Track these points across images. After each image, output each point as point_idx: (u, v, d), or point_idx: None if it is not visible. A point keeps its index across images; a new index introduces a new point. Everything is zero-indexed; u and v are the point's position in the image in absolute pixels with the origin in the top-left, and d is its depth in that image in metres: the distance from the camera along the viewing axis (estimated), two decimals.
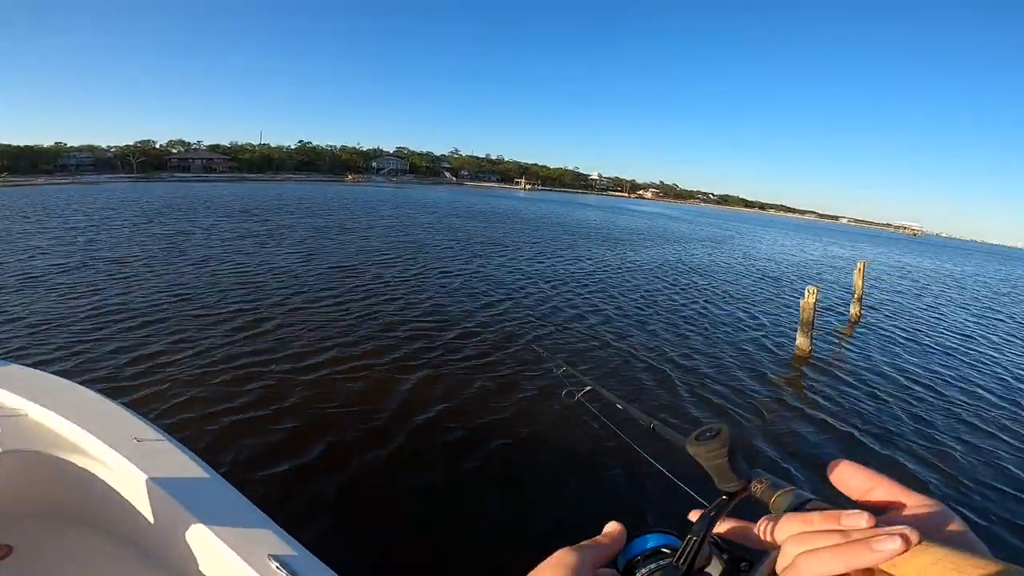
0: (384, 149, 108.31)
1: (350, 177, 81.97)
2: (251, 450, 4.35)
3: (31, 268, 10.28)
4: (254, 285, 9.76)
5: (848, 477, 0.40)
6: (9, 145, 62.70)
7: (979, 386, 7.96)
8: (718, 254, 22.88)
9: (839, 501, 0.39)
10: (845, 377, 7.62)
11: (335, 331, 7.39)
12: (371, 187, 65.83)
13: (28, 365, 3.04)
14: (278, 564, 1.52)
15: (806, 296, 8.24)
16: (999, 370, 9.04)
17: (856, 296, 11.80)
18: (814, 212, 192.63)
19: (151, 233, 15.70)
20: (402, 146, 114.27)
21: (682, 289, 13.26)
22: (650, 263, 17.26)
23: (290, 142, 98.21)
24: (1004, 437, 6.16)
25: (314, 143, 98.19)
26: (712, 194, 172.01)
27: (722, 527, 0.46)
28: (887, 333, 10.91)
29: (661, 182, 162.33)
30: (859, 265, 11.90)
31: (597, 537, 0.45)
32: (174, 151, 78.86)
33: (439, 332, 7.69)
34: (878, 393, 7.14)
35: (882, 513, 0.36)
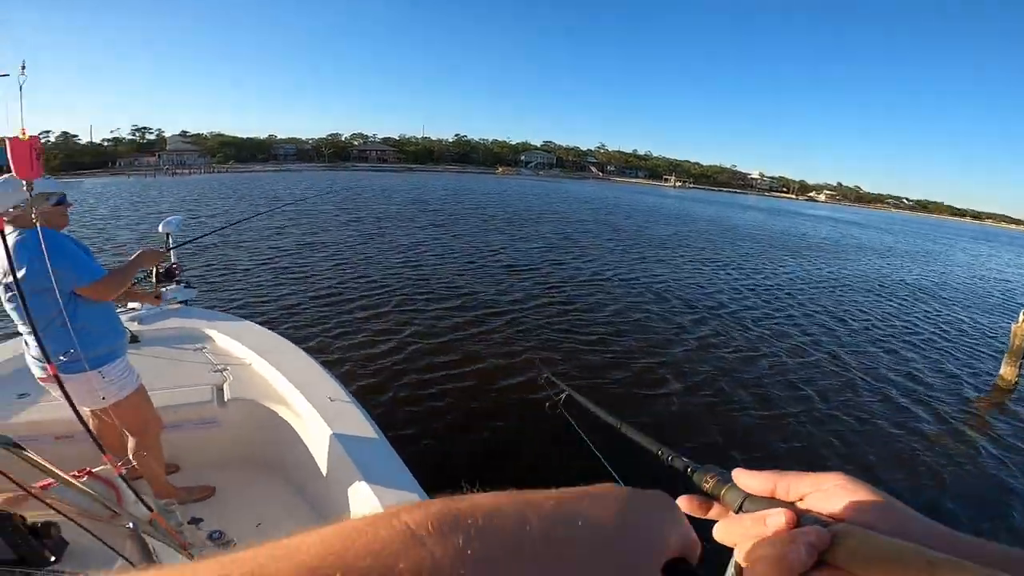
0: (532, 143, 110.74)
1: (500, 170, 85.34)
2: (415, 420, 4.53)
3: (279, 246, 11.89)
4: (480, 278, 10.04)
5: (748, 484, 0.40)
6: (235, 137, 76.89)
7: None
8: (914, 268, 18.61)
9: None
10: None
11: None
12: (520, 180, 67.62)
13: (259, 323, 3.45)
14: None
15: (1020, 320, 7.26)
16: None
17: None
18: None
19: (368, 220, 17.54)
20: (549, 140, 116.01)
21: (862, 305, 10.92)
22: (832, 275, 14.50)
23: (448, 135, 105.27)
24: None
25: (469, 136, 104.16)
26: (906, 198, 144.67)
27: (684, 504, 0.44)
28: None
29: (839, 183, 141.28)
30: None
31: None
32: (355, 143, 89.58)
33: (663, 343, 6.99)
34: None
35: (800, 502, 0.37)
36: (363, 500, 1.86)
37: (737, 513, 0.40)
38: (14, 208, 1.80)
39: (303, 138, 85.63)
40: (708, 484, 0.45)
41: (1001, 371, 7.37)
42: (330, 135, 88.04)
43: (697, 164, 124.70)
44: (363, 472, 1.91)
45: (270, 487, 2.47)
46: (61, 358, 1.70)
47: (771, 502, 0.38)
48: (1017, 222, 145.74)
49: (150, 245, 2.74)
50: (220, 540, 1.76)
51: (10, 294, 1.85)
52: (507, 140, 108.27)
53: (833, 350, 7.81)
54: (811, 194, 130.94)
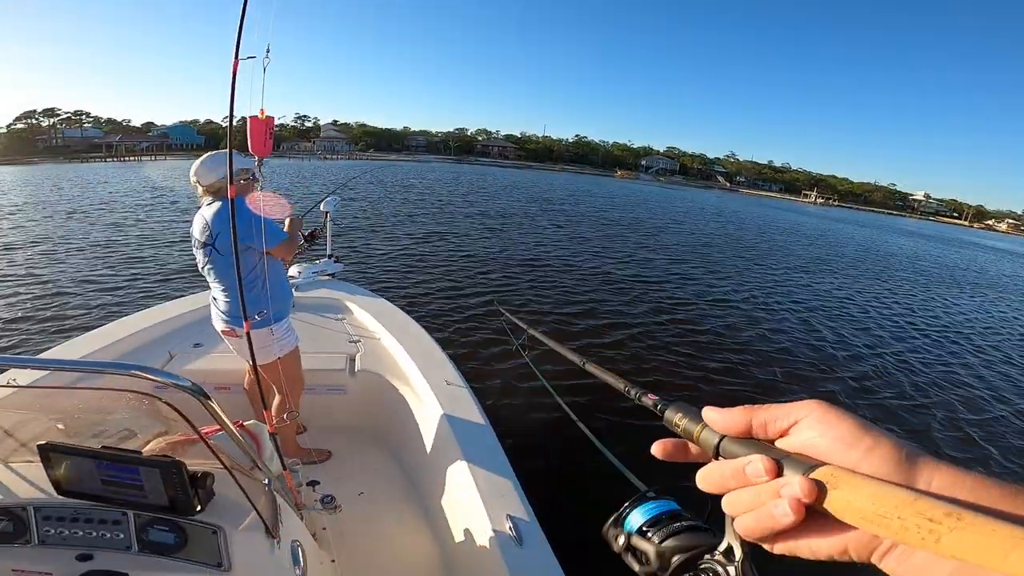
0: (654, 148, 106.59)
1: (619, 173, 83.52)
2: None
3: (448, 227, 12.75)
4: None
5: (718, 422, 0.38)
6: (376, 127, 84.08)
7: None
8: None
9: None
10: None
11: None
12: (640, 185, 65.47)
13: (389, 299, 3.61)
14: (511, 525, 1.59)
15: None
16: None
17: None
18: None
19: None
20: (673, 146, 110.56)
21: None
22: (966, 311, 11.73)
23: (568, 135, 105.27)
24: None
25: (589, 137, 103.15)
26: None
27: (659, 450, 0.42)
28: None
29: None
30: None
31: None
32: (480, 138, 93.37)
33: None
34: None
35: (775, 442, 0.35)
36: (460, 484, 1.88)
37: (715, 457, 0.37)
38: (219, 180, 2.05)
39: (433, 131, 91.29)
40: (680, 424, 0.42)
41: None
42: (457, 129, 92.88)
43: (845, 180, 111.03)
44: (465, 456, 1.94)
45: (378, 458, 2.55)
46: (256, 317, 1.84)
47: (749, 442, 0.35)
48: None
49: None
50: (330, 505, 1.81)
51: (213, 254, 2.06)
52: (628, 143, 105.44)
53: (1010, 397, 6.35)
54: (989, 222, 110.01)
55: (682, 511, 0.45)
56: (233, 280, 1.77)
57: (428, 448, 2.24)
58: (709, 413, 0.38)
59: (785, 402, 0.34)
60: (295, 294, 3.48)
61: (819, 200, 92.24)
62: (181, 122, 76.91)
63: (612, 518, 0.49)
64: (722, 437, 0.37)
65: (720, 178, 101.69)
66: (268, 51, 1.46)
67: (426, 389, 2.41)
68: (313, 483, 2.24)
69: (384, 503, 2.27)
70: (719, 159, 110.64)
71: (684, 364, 6.21)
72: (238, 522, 1.08)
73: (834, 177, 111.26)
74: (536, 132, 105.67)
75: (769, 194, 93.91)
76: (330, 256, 4.15)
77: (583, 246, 13.31)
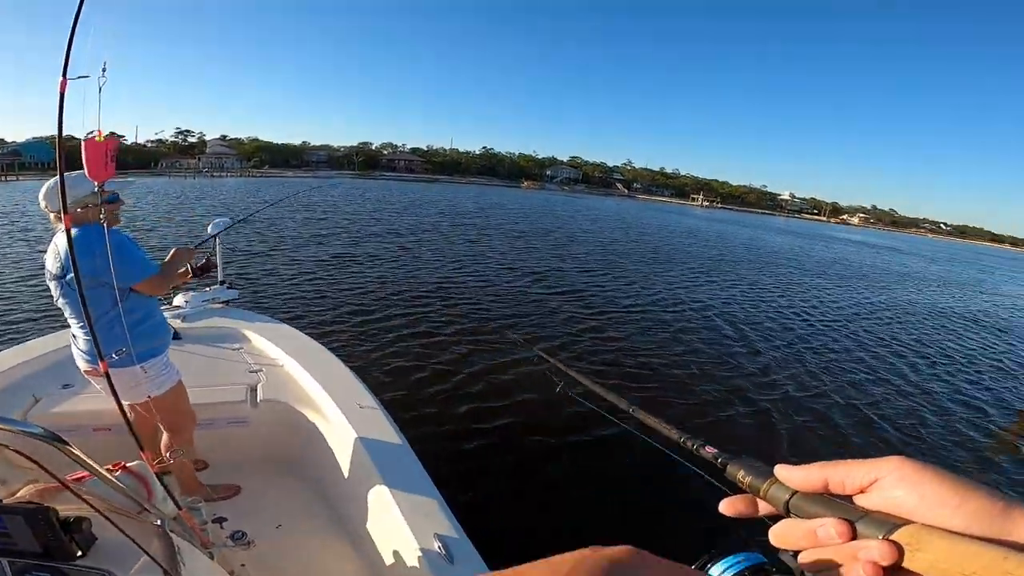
0: (559, 158, 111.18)
1: (525, 184, 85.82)
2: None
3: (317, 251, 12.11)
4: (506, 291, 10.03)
5: (795, 480, 0.37)
6: (270, 143, 79.34)
7: None
8: (927, 294, 17.76)
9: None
10: None
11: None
12: (546, 194, 67.82)
13: (294, 326, 3.48)
14: (440, 544, 1.59)
15: None
16: None
17: None
18: None
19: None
20: (576, 155, 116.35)
21: (873, 328, 10.40)
22: (838, 298, 13.97)
23: (475, 147, 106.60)
24: None
25: (496, 149, 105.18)
26: (944, 224, 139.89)
27: (727, 508, 0.41)
28: None
29: (873, 206, 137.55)
30: None
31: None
32: (385, 152, 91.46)
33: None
34: None
35: (852, 498, 0.34)
36: (383, 507, 1.86)
37: (786, 513, 0.36)
38: (73, 204, 1.83)
39: (335, 145, 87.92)
40: (745, 480, 0.41)
41: None
42: (361, 143, 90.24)
43: (726, 183, 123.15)
44: (385, 478, 1.92)
45: (293, 489, 2.46)
46: (113, 356, 1.71)
47: (823, 499, 0.34)
48: None
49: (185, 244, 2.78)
50: (242, 541, 1.75)
51: (64, 288, 1.90)
52: (534, 154, 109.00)
53: (895, 378, 7.51)
54: (844, 217, 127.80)
55: (766, 563, 0.42)
56: (97, 315, 1.67)
57: (346, 473, 2.20)
58: (782, 471, 0.37)
59: (856, 456, 0.33)
60: (183, 325, 3.26)
61: (705, 203, 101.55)
62: (35, 138, 66.99)
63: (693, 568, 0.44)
64: (792, 494, 0.36)
65: (619, 185, 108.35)
66: (104, 69, 1.39)
67: (337, 414, 2.35)
68: (220, 520, 2.13)
69: (306, 533, 2.21)
70: (618, 167, 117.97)
71: (607, 371, 6.51)
72: (129, 566, 1.04)
73: (716, 181, 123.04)
74: (444, 145, 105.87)
75: (662, 199, 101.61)
76: (222, 282, 3.89)
77: (498, 260, 13.52)
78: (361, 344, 6.39)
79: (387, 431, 2.25)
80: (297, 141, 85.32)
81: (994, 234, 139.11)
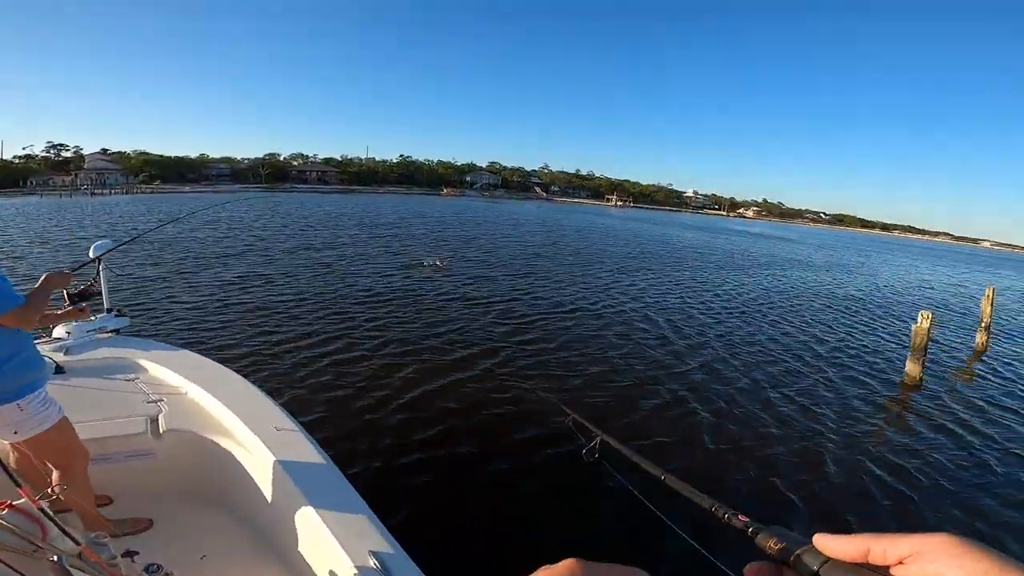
0: (478, 164, 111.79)
1: (445, 191, 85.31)
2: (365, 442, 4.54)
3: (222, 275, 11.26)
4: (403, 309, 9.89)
5: (834, 548, 0.37)
6: (161, 156, 72.68)
7: None
8: (820, 277, 20.43)
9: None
10: (955, 409, 6.94)
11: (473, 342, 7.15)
12: (467, 201, 68.00)
13: (197, 351, 3.35)
14: (376, 562, 1.58)
15: (919, 321, 7.93)
16: None
17: (983, 324, 10.72)
18: (948, 234, 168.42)
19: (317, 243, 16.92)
20: (494, 160, 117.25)
21: (793, 313, 12.12)
22: (746, 286, 15.63)
23: (392, 156, 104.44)
24: None
25: (414, 157, 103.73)
26: (824, 213, 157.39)
27: (752, 573, 0.41)
28: (1017, 365, 9.65)
29: (764, 200, 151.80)
30: (988, 291, 10.84)
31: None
32: (295, 163, 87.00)
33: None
34: (988, 430, 6.39)
35: (893, 568, 0.34)
36: (312, 528, 1.83)
37: None
38: None
39: (237, 157, 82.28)
40: (774, 549, 0.42)
41: (907, 368, 8.04)
42: (267, 155, 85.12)
43: (636, 183, 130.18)
44: (311, 499, 1.89)
45: (214, 519, 2.39)
46: None
47: (856, 569, 0.35)
48: (920, 232, 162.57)
49: (61, 268, 2.61)
50: (158, 573, 1.69)
51: None
52: (453, 161, 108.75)
53: (789, 357, 8.38)
54: (740, 210, 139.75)
55: None
56: None
57: (269, 498, 2.16)
58: (822, 540, 0.38)
59: (896, 530, 0.33)
60: (66, 358, 3.05)
61: (619, 203, 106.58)
62: None
63: None
64: (823, 563, 0.36)
65: (538, 189, 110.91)
66: None
67: (252, 439, 2.31)
68: (131, 554, 2.06)
69: (233, 562, 2.16)
70: (536, 171, 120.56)
71: (554, 376, 6.69)
72: None
73: (628, 181, 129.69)
74: (359, 154, 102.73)
75: (580, 200, 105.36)
76: (110, 310, 3.62)
77: (423, 273, 13.40)
78: (279, 366, 6.15)
79: (308, 452, 2.23)
80: (193, 153, 78.89)
81: (864, 220, 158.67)
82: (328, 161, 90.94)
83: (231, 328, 7.42)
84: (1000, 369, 9.33)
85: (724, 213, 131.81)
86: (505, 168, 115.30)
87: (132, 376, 2.98)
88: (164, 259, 12.45)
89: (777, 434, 5.63)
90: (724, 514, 0.59)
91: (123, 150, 73.04)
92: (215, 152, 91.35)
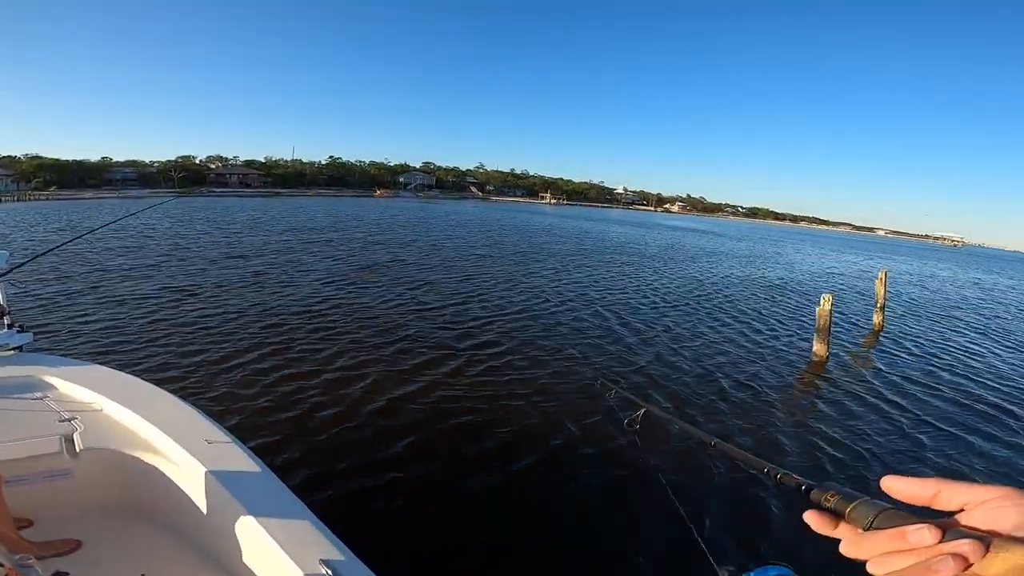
0: (411, 164, 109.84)
1: (378, 192, 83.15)
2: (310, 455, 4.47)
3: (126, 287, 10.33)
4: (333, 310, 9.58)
5: (902, 490, 0.40)
6: (57, 160, 65.56)
7: (1001, 396, 7.82)
8: (745, 268, 22.24)
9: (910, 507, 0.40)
10: (857, 384, 7.64)
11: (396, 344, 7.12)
12: (402, 202, 66.73)
13: (112, 366, 3.19)
14: (328, 569, 1.55)
15: (822, 304, 8.54)
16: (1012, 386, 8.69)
17: (879, 305, 11.78)
18: (848, 224, 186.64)
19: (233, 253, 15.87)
20: (429, 161, 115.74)
21: (709, 302, 13.14)
22: (682, 278, 16.72)
23: (321, 157, 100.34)
24: None
25: (344, 159, 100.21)
26: (740, 207, 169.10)
27: (813, 520, 0.44)
28: (910, 342, 10.91)
29: (688, 195, 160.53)
30: (880, 274, 11.86)
31: None
32: (212, 166, 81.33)
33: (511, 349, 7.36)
34: (888, 401, 7.08)
35: (954, 515, 0.36)
36: (256, 540, 1.80)
37: (867, 531, 0.39)
38: None
39: (147, 160, 75.75)
40: (830, 502, 0.44)
41: (814, 348, 8.82)
42: (180, 157, 78.96)
43: (570, 181, 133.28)
44: (252, 510, 1.85)
45: (149, 536, 2.32)
46: None
47: (906, 517, 0.37)
48: (824, 223, 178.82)
49: None
50: None
51: None
52: (385, 161, 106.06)
53: (703, 336, 8.96)
54: (667, 206, 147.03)
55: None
56: None
57: (206, 511, 2.09)
58: (892, 482, 0.40)
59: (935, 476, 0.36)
60: None
61: (553, 200, 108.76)
62: None
63: None
64: (878, 513, 0.39)
65: (473, 188, 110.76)
66: None
67: (180, 453, 2.22)
68: (61, 574, 1.97)
69: None
70: (471, 170, 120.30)
71: (502, 384, 6.70)
72: None
73: (561, 180, 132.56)
74: (284, 156, 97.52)
75: (515, 199, 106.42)
76: (11, 326, 3.32)
77: (359, 279, 13.03)
78: (211, 379, 5.84)
79: (244, 462, 2.18)
80: (95, 157, 71.63)
81: (776, 213, 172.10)
82: (250, 163, 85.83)
83: (157, 345, 6.86)
84: (894, 344, 10.49)
85: (652, 208, 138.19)
86: (440, 168, 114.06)
87: (40, 394, 2.78)
88: (71, 272, 11.29)
89: (708, 412, 6.10)
90: (776, 474, 0.62)
91: (12, 154, 65.13)
92: (120, 155, 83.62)
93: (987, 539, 0.31)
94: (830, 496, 0.44)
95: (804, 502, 0.48)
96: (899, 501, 0.40)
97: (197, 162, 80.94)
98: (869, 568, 0.36)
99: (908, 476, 0.40)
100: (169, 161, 75.78)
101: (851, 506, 0.41)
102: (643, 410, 1.75)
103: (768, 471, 0.66)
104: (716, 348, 8.81)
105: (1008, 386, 8.39)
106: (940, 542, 0.33)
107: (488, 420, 5.39)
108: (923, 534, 0.33)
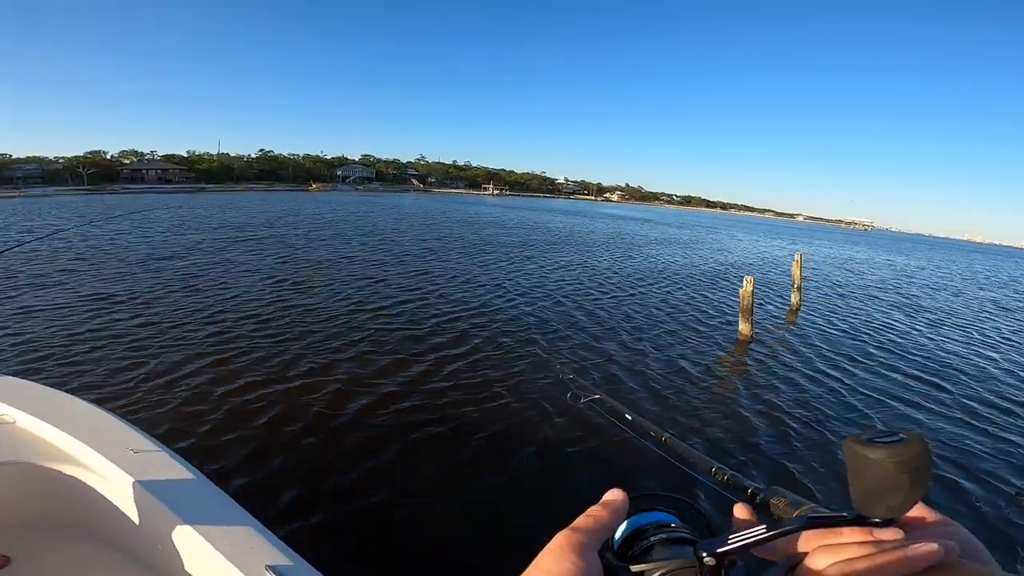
0: (349, 157, 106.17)
1: (314, 186, 79.87)
2: (246, 453, 4.48)
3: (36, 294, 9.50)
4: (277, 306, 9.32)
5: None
6: None
7: (913, 365, 8.76)
8: (679, 254, 23.64)
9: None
10: (780, 359, 8.33)
11: (345, 338, 7.15)
12: (339, 195, 64.52)
13: (24, 377, 3.01)
14: (274, 574, 1.52)
15: (744, 285, 9.07)
16: (929, 350, 10.01)
17: (796, 286, 12.53)
18: (772, 211, 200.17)
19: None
20: (368, 154, 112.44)
21: (642, 286, 13.91)
22: (620, 266, 17.57)
23: (251, 151, 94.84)
24: (940, 419, 6.50)
25: (276, 152, 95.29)
26: (675, 195, 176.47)
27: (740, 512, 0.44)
28: (824, 319, 11.96)
29: (627, 184, 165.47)
30: (797, 257, 12.60)
31: (596, 509, 0.42)
32: (126, 162, 75.01)
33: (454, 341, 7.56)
34: (809, 374, 7.75)
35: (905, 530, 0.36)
36: (196, 549, 1.78)
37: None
38: None
39: (50, 156, 68.67)
40: (778, 506, 0.45)
41: (740, 327, 9.45)
42: (90, 153, 72.20)
43: (512, 172, 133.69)
44: (188, 519, 1.82)
45: (79, 551, 2.22)
46: None
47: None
48: (751, 209, 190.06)
49: None
50: None
51: None
52: (321, 155, 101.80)
53: (639, 317, 9.49)
54: (607, 195, 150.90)
55: (674, 523, 0.44)
56: None
57: (138, 522, 2.01)
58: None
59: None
60: None
61: (495, 192, 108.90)
62: None
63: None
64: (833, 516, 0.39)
65: (415, 180, 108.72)
66: None
67: (103, 463, 2.13)
68: None
69: None
70: (411, 163, 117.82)
71: (474, 383, 6.82)
72: None
73: (504, 171, 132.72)
74: (209, 150, 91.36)
75: (457, 191, 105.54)
76: None
77: (305, 276, 12.65)
78: (137, 387, 5.60)
79: (176, 470, 2.11)
80: None
81: (708, 201, 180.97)
82: (170, 158, 79.82)
83: (82, 361, 6.37)
84: (808, 321, 11.49)
85: (593, 198, 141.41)
86: (379, 160, 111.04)
87: None
88: None
89: (646, 395, 6.55)
90: (725, 476, 0.63)
91: None
92: (19, 151, 75.23)
93: (953, 546, 0.31)
94: (777, 500, 0.44)
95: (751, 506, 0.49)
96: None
97: (109, 157, 74.31)
98: (816, 554, 0.36)
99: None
100: (77, 157, 69.09)
101: (797, 512, 0.41)
102: (596, 396, 1.81)
103: (715, 471, 0.67)
104: (664, 332, 9.36)
105: (921, 356, 9.55)
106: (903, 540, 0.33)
107: (446, 415, 5.50)
108: (890, 532, 0.34)
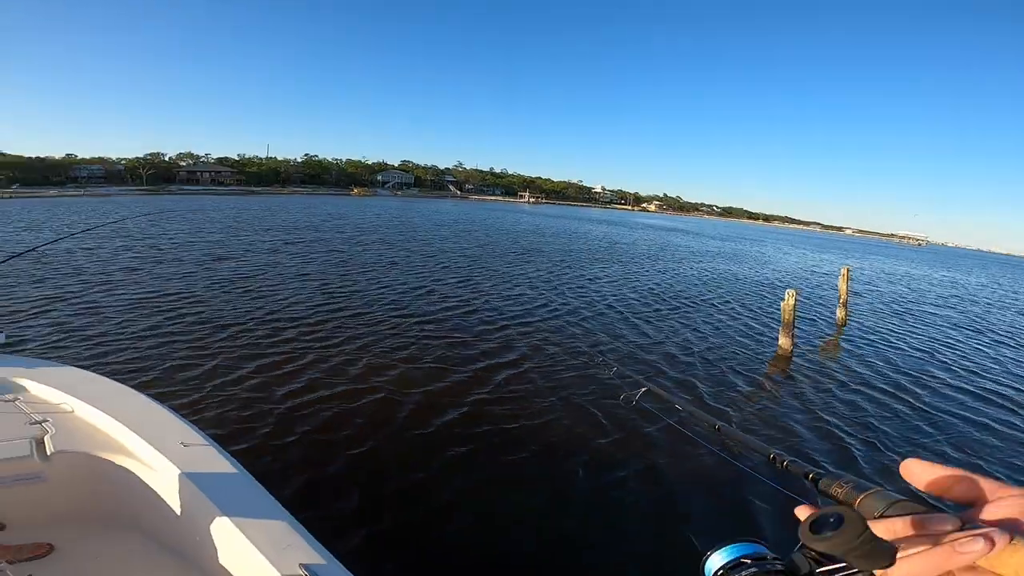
0: (389, 163, 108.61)
1: (356, 190, 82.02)
2: (289, 453, 4.44)
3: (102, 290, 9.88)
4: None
5: (921, 475, 0.39)
6: (20, 156, 62.73)
7: (961, 389, 8.10)
8: (724, 266, 22.77)
9: (923, 498, 0.38)
10: (823, 376, 7.88)
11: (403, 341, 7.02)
12: (381, 200, 65.94)
13: (85, 368, 3.11)
14: (307, 573, 1.52)
15: (786, 299, 8.74)
16: (980, 374, 9.19)
17: (841, 301, 12.05)
18: (818, 223, 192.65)
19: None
20: (407, 159, 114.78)
21: (685, 297, 13.40)
22: (680, 278, 17.00)
23: (296, 155, 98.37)
24: (990, 442, 6.05)
25: (320, 156, 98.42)
26: (716, 206, 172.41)
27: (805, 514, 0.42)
28: (872, 336, 11.23)
29: (665, 194, 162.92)
30: (843, 271, 12.11)
31: None
32: (183, 164, 78.94)
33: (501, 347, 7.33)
34: (851, 390, 7.36)
35: (968, 508, 0.36)
36: (234, 544, 1.77)
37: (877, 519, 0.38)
38: None
39: (113, 157, 72.99)
40: (839, 492, 0.43)
41: (780, 341, 9.02)
42: (149, 154, 76.34)
43: (548, 180, 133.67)
44: (226, 511, 1.82)
45: (124, 541, 2.27)
46: None
47: (918, 510, 0.36)
48: (795, 222, 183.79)
49: None
50: None
51: None
52: (363, 159, 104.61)
53: (688, 327, 9.09)
54: (644, 205, 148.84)
55: (768, 553, 0.42)
56: None
57: (182, 515, 2.04)
58: (913, 466, 0.39)
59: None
60: None
61: (532, 200, 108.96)
62: None
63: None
64: (892, 503, 0.38)
65: (452, 187, 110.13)
66: None
67: (156, 456, 2.17)
68: None
69: None
70: (449, 169, 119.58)
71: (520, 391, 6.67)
72: None
73: (540, 178, 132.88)
74: (258, 153, 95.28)
75: (494, 198, 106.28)
76: None
77: (359, 280, 12.69)
78: (197, 382, 5.69)
79: (221, 465, 2.14)
80: (59, 153, 68.69)
81: (750, 212, 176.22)
82: (223, 160, 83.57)
83: (144, 356, 6.50)
84: (855, 339, 10.70)
85: (630, 207, 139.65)
86: (418, 166, 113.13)
87: (10, 396, 2.69)
88: (45, 274, 10.76)
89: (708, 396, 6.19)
90: (784, 462, 0.59)
91: None
92: (85, 152, 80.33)
93: (1011, 530, 0.31)
94: (840, 485, 0.43)
95: (811, 491, 0.46)
96: (913, 486, 0.39)
97: (167, 159, 78.45)
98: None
99: (930, 462, 0.39)
100: (137, 158, 73.15)
101: (861, 497, 0.40)
102: (644, 389, 1.74)
103: (774, 457, 0.63)
104: (712, 342, 9.02)
105: (981, 376, 8.77)
106: (959, 530, 0.33)
107: (496, 424, 5.32)
108: (943, 523, 0.33)
